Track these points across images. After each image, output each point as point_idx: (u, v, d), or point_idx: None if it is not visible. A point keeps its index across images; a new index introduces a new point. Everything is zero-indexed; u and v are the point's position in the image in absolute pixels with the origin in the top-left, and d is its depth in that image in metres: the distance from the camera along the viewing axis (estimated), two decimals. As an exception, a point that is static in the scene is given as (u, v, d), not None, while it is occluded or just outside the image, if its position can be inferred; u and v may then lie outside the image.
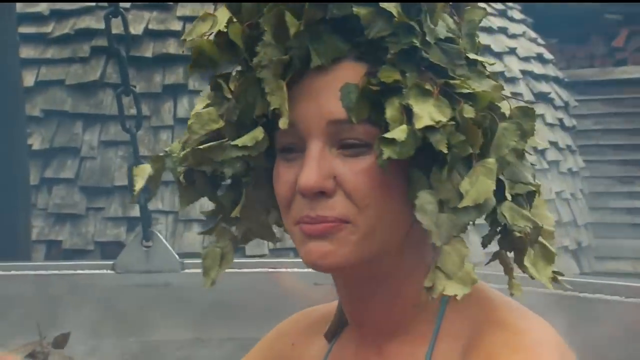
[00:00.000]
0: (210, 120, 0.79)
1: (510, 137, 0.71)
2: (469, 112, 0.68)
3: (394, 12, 0.68)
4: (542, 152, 4.62)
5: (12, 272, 1.97)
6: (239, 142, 0.74)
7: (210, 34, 0.77)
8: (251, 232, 0.85)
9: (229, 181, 0.86)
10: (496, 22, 4.80)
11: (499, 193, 0.70)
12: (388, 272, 0.77)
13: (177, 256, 1.94)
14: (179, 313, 1.76)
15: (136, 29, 3.95)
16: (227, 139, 0.78)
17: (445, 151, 0.67)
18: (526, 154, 0.73)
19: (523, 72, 4.83)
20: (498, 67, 4.64)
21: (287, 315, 1.00)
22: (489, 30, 4.66)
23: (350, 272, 0.76)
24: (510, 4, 5.18)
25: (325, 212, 0.71)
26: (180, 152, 0.83)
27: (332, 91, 0.71)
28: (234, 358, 1.27)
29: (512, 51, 4.77)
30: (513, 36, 4.91)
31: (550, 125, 4.87)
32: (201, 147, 0.78)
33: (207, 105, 0.81)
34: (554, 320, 0.77)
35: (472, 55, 0.72)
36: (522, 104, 0.73)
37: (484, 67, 0.73)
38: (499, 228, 0.72)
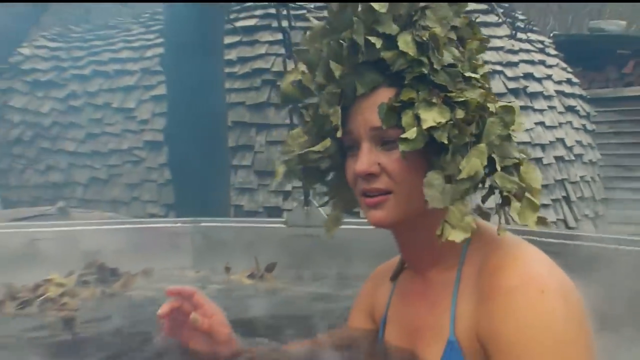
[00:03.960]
0: (299, 137, 0.91)
1: (496, 128, 0.78)
2: (460, 114, 0.76)
3: (410, 52, 0.77)
4: (570, 148, 4.99)
5: (242, 225, 2.03)
6: (314, 148, 0.87)
7: (299, 75, 0.90)
8: (351, 203, 0.96)
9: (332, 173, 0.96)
10: (537, 56, 5.14)
11: (492, 166, 0.78)
12: (420, 225, 0.85)
13: (326, 216, 1.55)
14: (328, 255, 1.75)
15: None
16: (310, 147, 0.89)
17: (446, 142, 0.76)
18: (514, 138, 0.79)
19: (557, 91, 5.16)
20: (537, 88, 4.90)
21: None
22: (531, 62, 4.98)
23: (398, 227, 0.86)
24: (547, 42, 5.54)
25: (376, 185, 0.81)
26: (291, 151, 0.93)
27: (373, 109, 0.80)
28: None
29: (549, 77, 5.11)
30: (549, 66, 5.23)
31: (577, 129, 5.22)
32: (299, 153, 0.91)
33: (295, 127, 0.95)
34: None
35: (467, 74, 0.80)
36: (509, 103, 0.80)
37: (477, 81, 0.81)
38: (495, 191, 0.80)
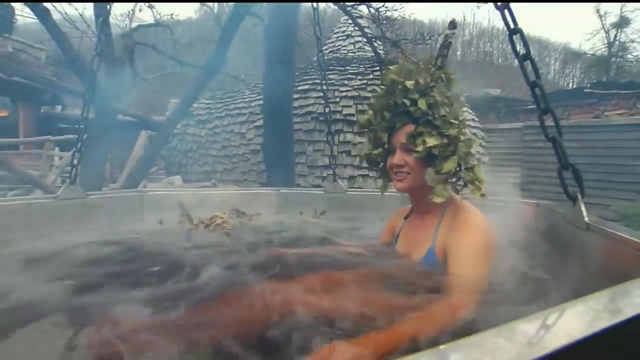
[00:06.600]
0: (366, 146, 0.89)
1: (464, 148, 0.78)
2: (445, 140, 0.76)
3: (423, 108, 0.77)
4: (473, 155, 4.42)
5: (302, 191, 1.79)
6: (374, 152, 0.86)
7: (368, 116, 0.87)
8: (387, 179, 0.91)
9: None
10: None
11: (460, 168, 0.79)
12: (420, 192, 0.84)
13: (344, 187, 1.68)
14: (346, 208, 1.62)
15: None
16: (372, 151, 0.87)
17: (437, 154, 0.76)
18: (475, 152, 0.79)
19: (467, 125, 4.53)
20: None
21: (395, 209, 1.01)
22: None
23: (409, 191, 0.85)
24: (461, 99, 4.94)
25: (402, 170, 0.82)
26: (363, 152, 0.89)
27: (403, 134, 0.80)
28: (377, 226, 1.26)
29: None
30: (463, 112, 4.66)
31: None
32: (368, 153, 0.89)
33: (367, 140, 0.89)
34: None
35: (451, 120, 0.78)
36: (468, 135, 0.78)
37: (456, 124, 0.79)
38: (461, 179, 0.79)
